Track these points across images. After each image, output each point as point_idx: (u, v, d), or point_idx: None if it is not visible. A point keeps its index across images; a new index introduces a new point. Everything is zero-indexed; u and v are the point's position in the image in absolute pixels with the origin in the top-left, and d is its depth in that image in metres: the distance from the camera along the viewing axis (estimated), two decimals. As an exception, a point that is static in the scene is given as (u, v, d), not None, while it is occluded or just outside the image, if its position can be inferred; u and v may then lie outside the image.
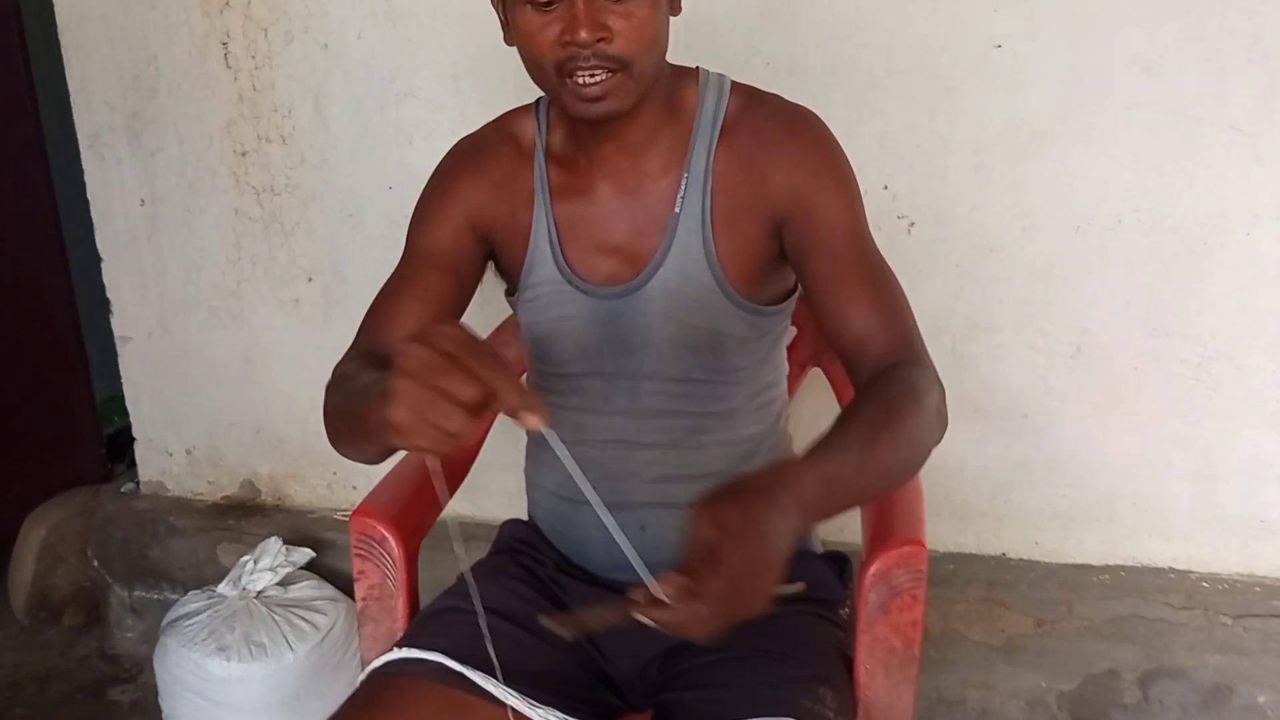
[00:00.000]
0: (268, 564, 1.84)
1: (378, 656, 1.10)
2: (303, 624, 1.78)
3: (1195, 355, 1.70)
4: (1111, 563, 1.82)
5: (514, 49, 1.06)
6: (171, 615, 1.83)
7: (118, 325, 2.14)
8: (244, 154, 1.96)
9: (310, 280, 2.00)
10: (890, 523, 1.14)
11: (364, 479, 1.97)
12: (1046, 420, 1.78)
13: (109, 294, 2.12)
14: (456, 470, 1.42)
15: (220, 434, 2.16)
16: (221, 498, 2.19)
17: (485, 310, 1.30)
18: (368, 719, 1.03)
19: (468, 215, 1.16)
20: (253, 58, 1.90)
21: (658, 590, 0.78)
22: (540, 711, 1.03)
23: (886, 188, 1.70)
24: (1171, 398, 1.73)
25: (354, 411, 0.94)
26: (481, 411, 0.74)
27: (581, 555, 1.22)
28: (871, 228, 1.12)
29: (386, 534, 1.21)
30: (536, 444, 1.29)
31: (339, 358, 1.15)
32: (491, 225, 1.17)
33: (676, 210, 1.10)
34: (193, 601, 1.83)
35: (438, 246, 1.16)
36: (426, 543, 1.27)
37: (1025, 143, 1.65)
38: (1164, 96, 1.59)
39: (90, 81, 1.98)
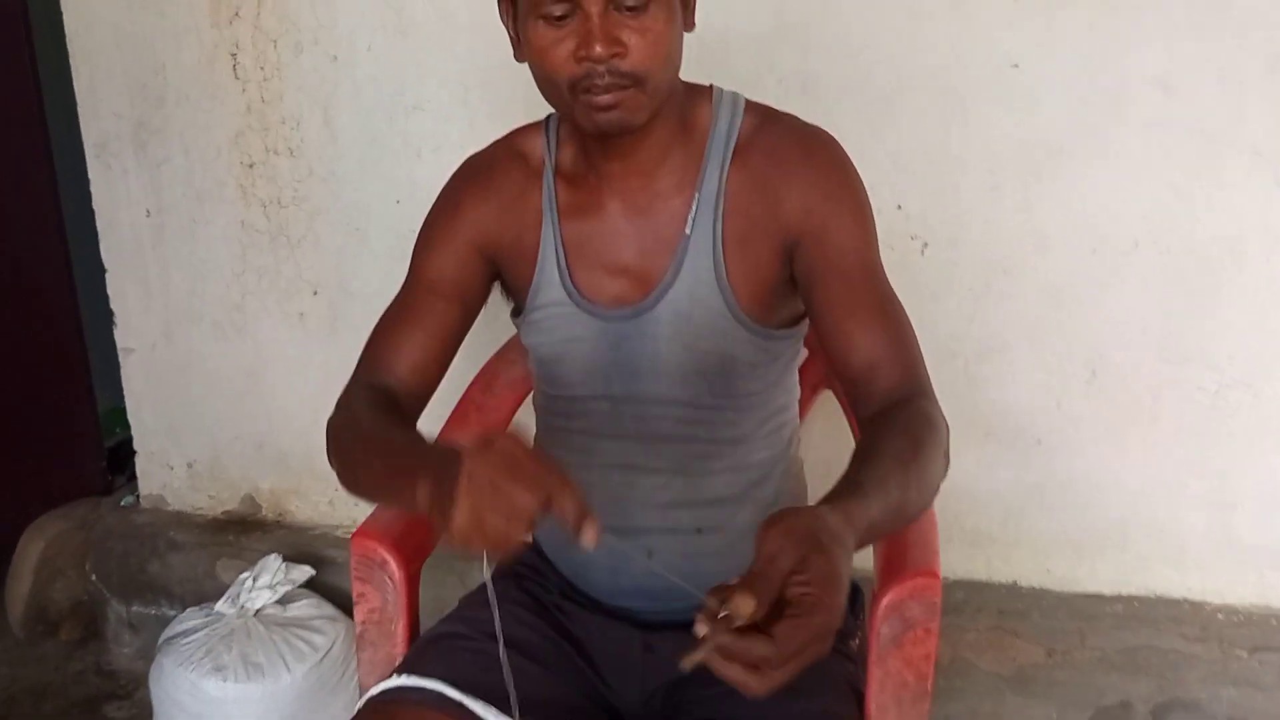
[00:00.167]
0: (267, 582, 1.81)
1: (376, 682, 1.08)
2: (301, 644, 1.75)
3: (1213, 381, 1.67)
4: (1125, 592, 1.79)
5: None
6: (168, 633, 1.80)
7: (121, 336, 2.12)
8: (251, 166, 1.95)
9: (316, 294, 1.98)
10: (904, 552, 1.11)
11: (366, 496, 1.95)
12: (1060, 445, 1.75)
13: (113, 305, 2.10)
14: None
15: (222, 448, 2.14)
16: (222, 512, 2.17)
17: (493, 326, 1.28)
18: (365, 749, 1.01)
19: (474, 239, 1.14)
20: (261, 69, 1.88)
21: (729, 610, 0.72)
22: (543, 742, 1.00)
23: (900, 207, 1.68)
24: (1188, 424, 1.70)
25: (383, 476, 0.97)
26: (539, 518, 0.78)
27: (586, 580, 1.19)
28: (883, 248, 1.10)
29: (387, 557, 1.18)
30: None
31: (343, 372, 1.14)
32: (498, 247, 1.15)
33: (687, 231, 1.08)
34: (190, 619, 1.81)
35: (442, 273, 1.14)
36: (428, 565, 1.25)
37: (1040, 162, 1.63)
38: (1182, 117, 1.57)
39: (98, 89, 1.97)
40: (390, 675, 1.07)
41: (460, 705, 1.01)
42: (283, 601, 1.84)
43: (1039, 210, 1.65)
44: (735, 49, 1.64)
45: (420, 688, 1.04)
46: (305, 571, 1.89)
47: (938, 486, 0.97)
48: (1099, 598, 1.79)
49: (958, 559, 1.81)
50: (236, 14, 1.86)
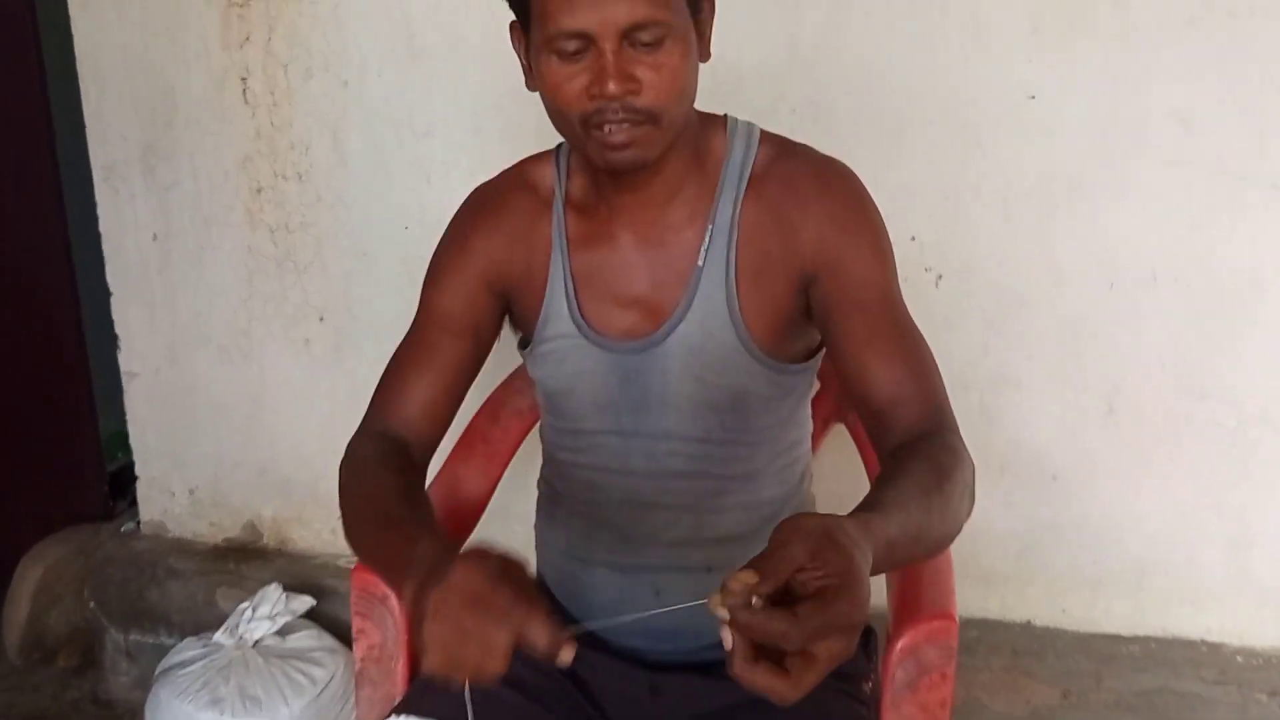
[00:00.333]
0: (266, 612, 1.79)
1: (375, 722, 1.05)
2: (300, 677, 1.72)
3: (1232, 418, 1.64)
4: (1142, 633, 1.76)
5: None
6: (166, 663, 1.78)
7: (125, 360, 2.11)
8: (259, 190, 1.94)
9: (322, 320, 1.97)
10: (918, 593, 1.08)
11: (369, 524, 1.92)
12: (1076, 481, 1.72)
13: (117, 329, 2.09)
14: (465, 524, 1.37)
15: (224, 474, 2.12)
16: (223, 540, 2.14)
17: (499, 355, 1.26)
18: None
19: (483, 272, 1.12)
20: (271, 93, 1.88)
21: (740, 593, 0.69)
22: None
23: (914, 238, 1.66)
24: (1207, 461, 1.67)
25: (375, 554, 0.97)
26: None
27: (592, 619, 1.16)
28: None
29: (389, 592, 1.15)
30: (548, 499, 1.24)
31: (348, 399, 1.13)
32: (508, 279, 1.13)
33: (700, 263, 1.06)
34: (188, 649, 1.79)
35: (452, 308, 1.12)
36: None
37: (1058, 195, 1.61)
38: (1201, 151, 1.55)
39: (106, 112, 1.97)
40: (389, 715, 1.05)
41: (460, 747, 0.98)
42: (282, 632, 1.81)
43: (1056, 242, 1.63)
44: (749, 77, 1.62)
45: (419, 729, 1.01)
46: (306, 602, 1.87)
47: (961, 522, 0.94)
48: (1115, 638, 1.76)
49: (971, 596, 1.77)
50: (248, 38, 1.86)
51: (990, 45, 1.57)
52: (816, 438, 1.32)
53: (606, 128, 0.96)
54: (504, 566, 0.79)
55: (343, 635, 1.84)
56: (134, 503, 2.22)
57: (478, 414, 1.43)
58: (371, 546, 0.98)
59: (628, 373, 1.08)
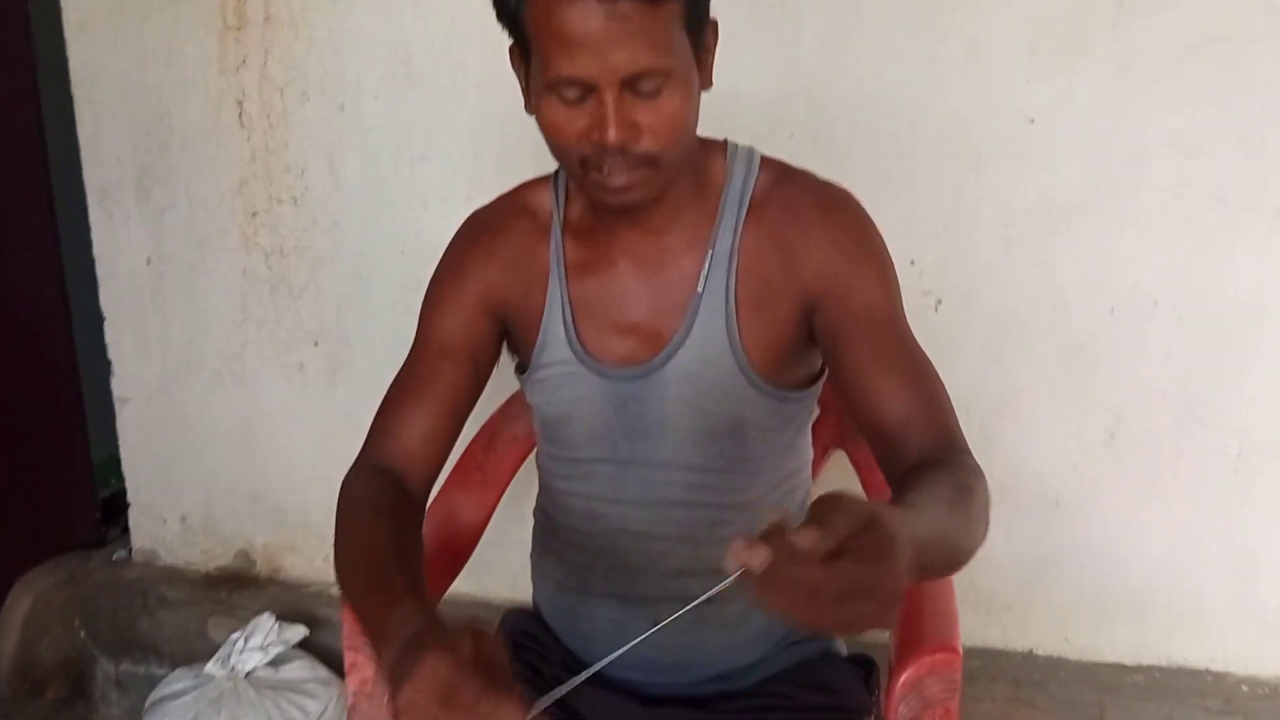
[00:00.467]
0: (258, 642, 1.76)
1: (366, 759, 1.03)
2: (292, 709, 1.70)
3: (1235, 445, 1.63)
4: (1145, 662, 1.74)
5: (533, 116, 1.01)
6: (156, 695, 1.75)
7: (117, 386, 2.09)
8: (254, 214, 1.93)
9: (316, 345, 1.95)
10: (920, 625, 1.06)
11: (363, 552, 1.90)
12: (1078, 509, 1.71)
13: (110, 354, 2.07)
14: (461, 551, 1.35)
15: (216, 501, 2.09)
16: (215, 568, 2.12)
17: (495, 381, 1.24)
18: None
19: (481, 297, 1.11)
20: (267, 117, 1.87)
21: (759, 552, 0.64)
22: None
23: (913, 263, 1.65)
24: (1209, 488, 1.66)
25: (357, 605, 0.94)
26: None
27: (589, 651, 1.15)
28: (898, 304, 1.06)
29: (381, 624, 1.13)
30: (543, 528, 1.22)
31: (342, 425, 1.11)
32: (506, 305, 1.11)
33: (699, 289, 1.04)
34: (178, 681, 1.76)
35: (451, 335, 1.10)
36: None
37: (1057, 220, 1.60)
38: (1202, 178, 1.55)
39: (101, 136, 1.96)
40: (381, 751, 1.03)
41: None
42: (275, 663, 1.78)
43: (1056, 268, 1.62)
44: (746, 102, 1.61)
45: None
46: (299, 631, 1.84)
47: (980, 540, 0.90)
48: (1119, 667, 1.74)
49: (973, 625, 1.75)
50: (244, 62, 1.85)
51: (989, 69, 1.57)
52: (817, 464, 1.30)
53: (606, 169, 0.95)
54: (474, 649, 0.77)
55: (336, 665, 1.82)
56: (126, 529, 2.20)
57: (473, 441, 1.41)
58: (355, 600, 0.95)
59: (625, 400, 1.07)
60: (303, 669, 1.79)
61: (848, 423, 1.35)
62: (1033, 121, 1.57)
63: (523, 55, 0.97)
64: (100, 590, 2.12)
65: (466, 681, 0.75)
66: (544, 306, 1.09)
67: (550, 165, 1.13)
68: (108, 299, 2.05)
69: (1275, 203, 1.53)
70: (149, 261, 2.00)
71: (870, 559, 0.65)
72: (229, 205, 1.93)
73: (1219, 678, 1.71)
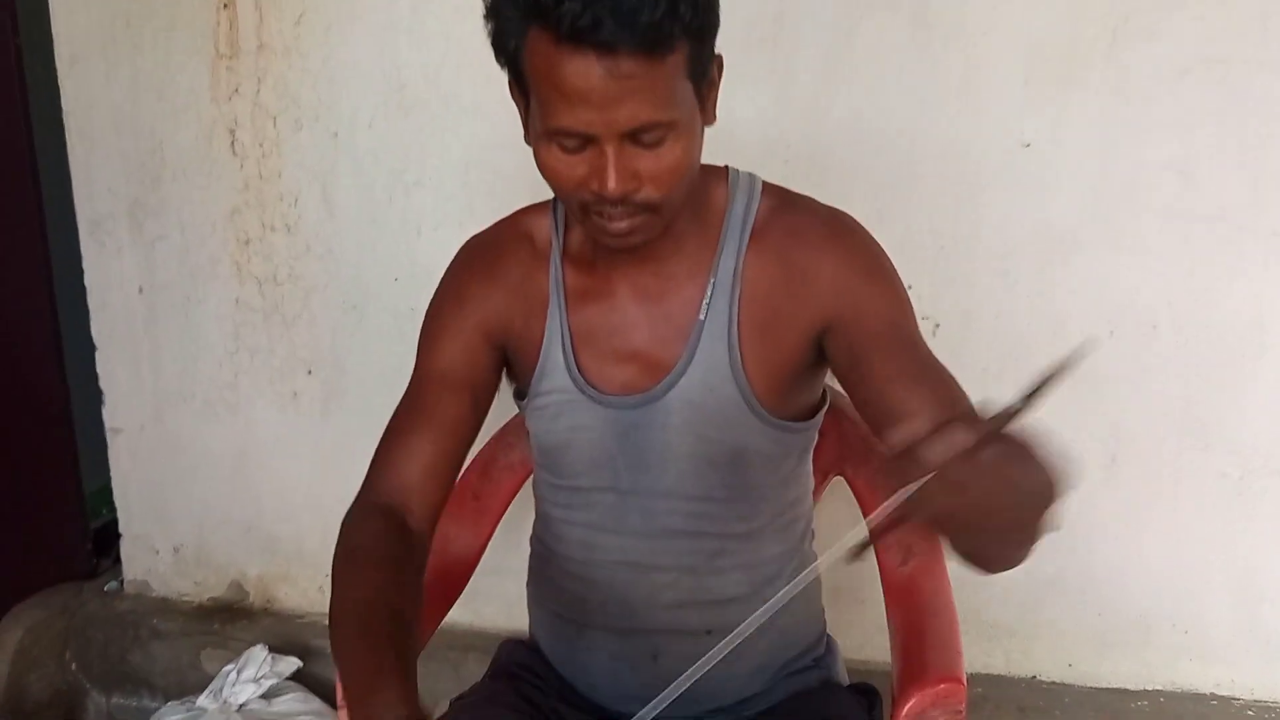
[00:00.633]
0: (251, 674, 1.74)
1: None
2: (285, 743, 1.67)
3: (1236, 468, 1.63)
4: (1150, 687, 1.73)
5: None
6: (147, 729, 1.72)
7: (109, 416, 2.07)
8: (247, 242, 1.91)
9: (310, 373, 1.94)
10: (923, 654, 1.05)
11: (358, 582, 1.88)
12: (1080, 533, 1.69)
13: (102, 384, 2.05)
14: (456, 580, 1.33)
15: (209, 532, 2.07)
16: (208, 599, 2.09)
17: (496, 402, 1.23)
18: None
19: (480, 325, 1.09)
20: (260, 145, 1.86)
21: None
22: None
23: (910, 288, 1.60)
24: (1212, 511, 1.65)
25: (344, 666, 0.91)
26: None
27: (587, 684, 1.13)
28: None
29: (377, 657, 1.11)
30: (540, 557, 1.20)
31: (335, 454, 1.09)
32: (506, 332, 1.10)
33: (701, 317, 1.03)
34: (171, 714, 1.74)
35: (450, 364, 1.08)
36: (419, 659, 1.17)
37: (1055, 244, 1.60)
38: (1199, 201, 1.55)
39: (93, 167, 1.95)
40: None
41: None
42: (268, 695, 1.76)
43: (1054, 291, 1.61)
44: (742, 127, 1.61)
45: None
46: (292, 664, 1.81)
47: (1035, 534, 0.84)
48: (1123, 693, 1.73)
49: (976, 652, 1.74)
50: (236, 90, 1.84)
51: (984, 94, 1.56)
52: (816, 490, 1.29)
53: (606, 215, 0.94)
54: None
55: (329, 697, 1.80)
56: (118, 560, 2.18)
57: (468, 469, 1.39)
58: (344, 664, 0.92)
59: (626, 429, 1.05)
60: (296, 701, 1.76)
61: (847, 448, 1.34)
62: (1029, 146, 1.57)
63: (522, 92, 0.96)
64: (91, 623, 2.09)
65: None
66: (543, 334, 1.07)
67: (546, 192, 1.12)
68: (99, 329, 2.03)
69: (1273, 224, 1.53)
70: (141, 291, 1.98)
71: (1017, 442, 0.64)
72: (221, 234, 1.92)
73: (1224, 702, 1.70)
